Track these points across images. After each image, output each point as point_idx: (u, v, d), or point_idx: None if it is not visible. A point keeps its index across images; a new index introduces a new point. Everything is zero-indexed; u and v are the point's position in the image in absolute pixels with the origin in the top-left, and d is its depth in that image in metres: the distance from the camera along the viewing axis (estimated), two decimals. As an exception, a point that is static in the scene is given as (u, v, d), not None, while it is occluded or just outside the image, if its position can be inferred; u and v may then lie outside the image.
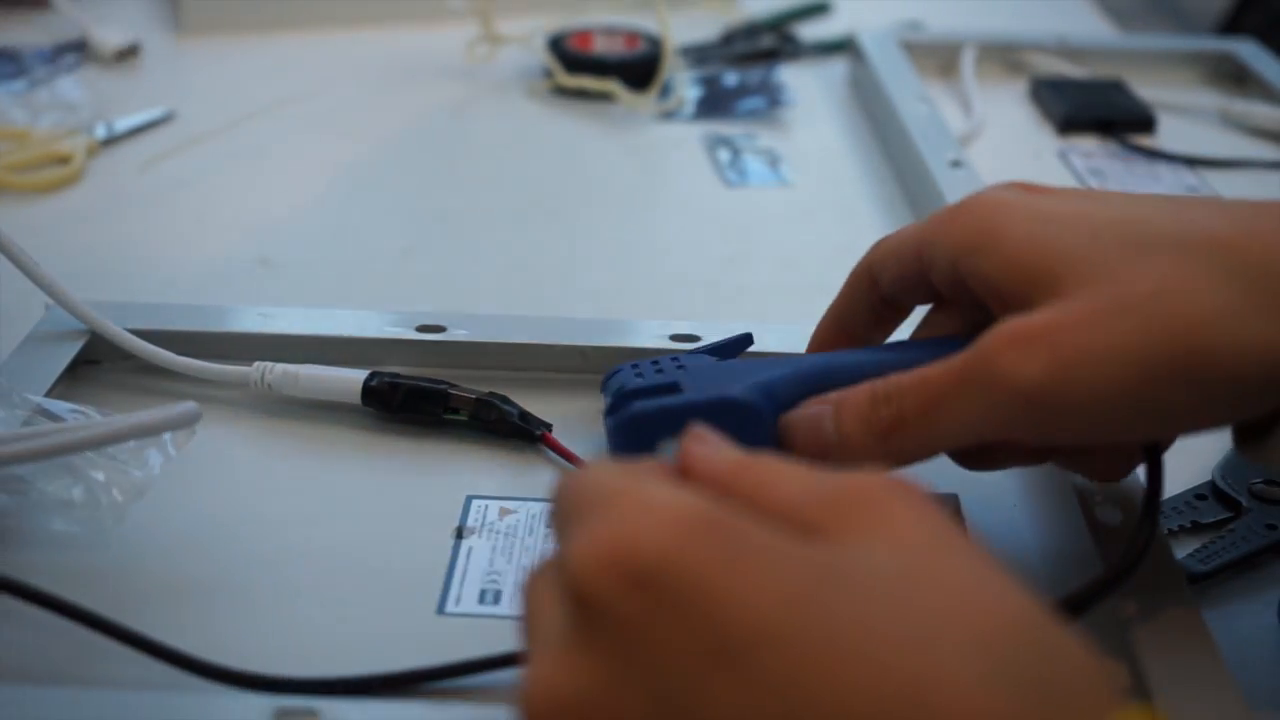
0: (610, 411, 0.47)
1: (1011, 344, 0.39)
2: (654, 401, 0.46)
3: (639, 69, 0.91)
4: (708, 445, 0.35)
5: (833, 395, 0.43)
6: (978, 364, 0.39)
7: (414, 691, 0.41)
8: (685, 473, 0.34)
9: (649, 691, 0.29)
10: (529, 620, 0.32)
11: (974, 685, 0.27)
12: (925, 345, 0.46)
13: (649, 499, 0.30)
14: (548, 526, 0.33)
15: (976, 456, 0.45)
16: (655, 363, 0.48)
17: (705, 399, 0.45)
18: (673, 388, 0.46)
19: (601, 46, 0.92)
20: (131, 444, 0.47)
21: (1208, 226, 0.39)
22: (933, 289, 0.46)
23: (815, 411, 0.43)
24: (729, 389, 0.45)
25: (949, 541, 0.30)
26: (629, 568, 0.29)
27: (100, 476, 0.46)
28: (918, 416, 0.41)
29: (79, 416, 0.49)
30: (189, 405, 0.46)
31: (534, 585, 0.33)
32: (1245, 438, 0.41)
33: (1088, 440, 0.42)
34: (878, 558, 0.30)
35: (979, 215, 0.42)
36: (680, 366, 0.48)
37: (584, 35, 0.93)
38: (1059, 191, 0.43)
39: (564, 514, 0.32)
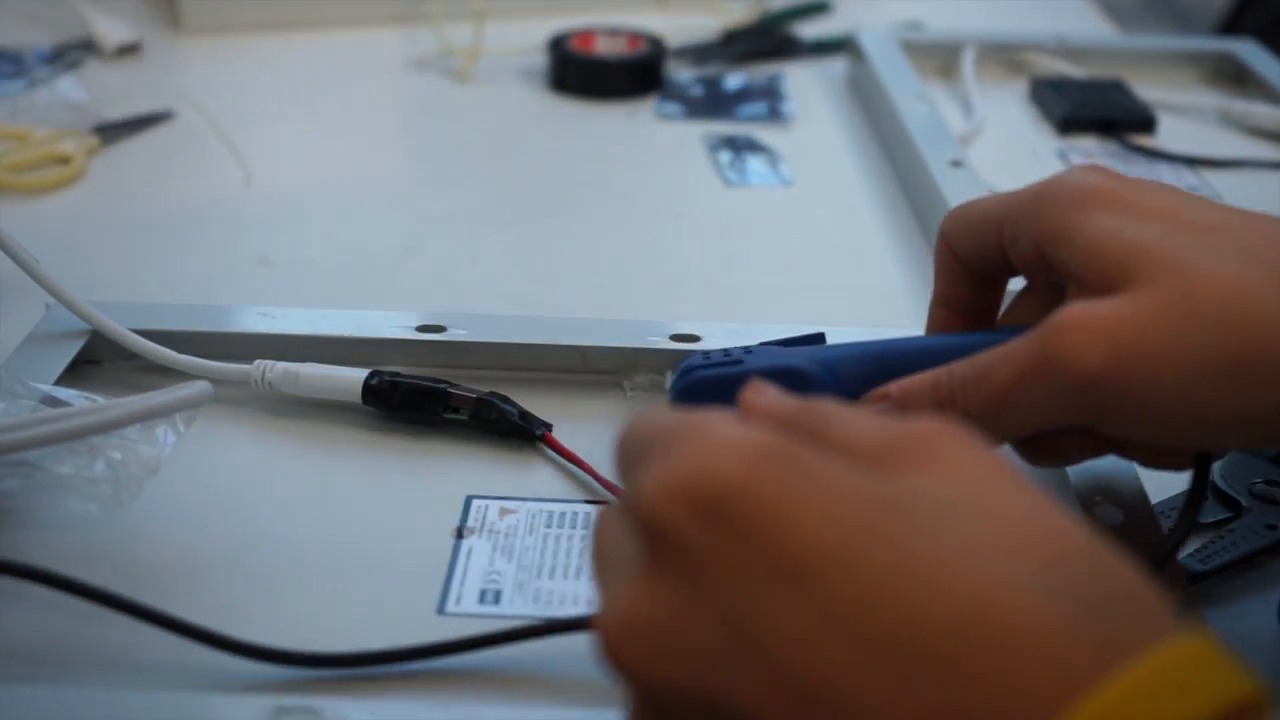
0: (674, 386, 0.48)
1: (1075, 329, 0.40)
2: (714, 370, 0.47)
3: (640, 69, 0.91)
4: (767, 394, 0.36)
5: (894, 387, 0.44)
6: (1040, 347, 0.40)
7: (413, 686, 0.41)
8: (747, 417, 0.35)
9: (721, 614, 0.29)
10: (600, 555, 0.33)
11: (1037, 602, 0.28)
12: (994, 334, 0.46)
13: (717, 433, 0.31)
14: (614, 468, 0.34)
15: (1039, 449, 0.46)
16: (725, 351, 0.49)
17: (765, 366, 0.46)
18: (736, 363, 0.47)
19: (603, 47, 0.92)
20: (142, 423, 0.48)
21: (1276, 244, 0.40)
22: (1011, 265, 0.46)
23: (878, 407, 0.44)
24: (790, 359, 0.46)
25: (1006, 477, 0.31)
26: (699, 497, 0.30)
27: (118, 455, 0.47)
28: (982, 408, 0.42)
29: (86, 403, 0.49)
30: (202, 384, 0.47)
31: (604, 522, 0.34)
32: None
33: (1143, 436, 0.42)
34: (938, 489, 0.30)
35: (1065, 202, 0.43)
36: (748, 352, 0.48)
37: (586, 36, 0.93)
38: (1144, 184, 0.44)
39: (632, 453, 0.33)
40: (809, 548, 0.29)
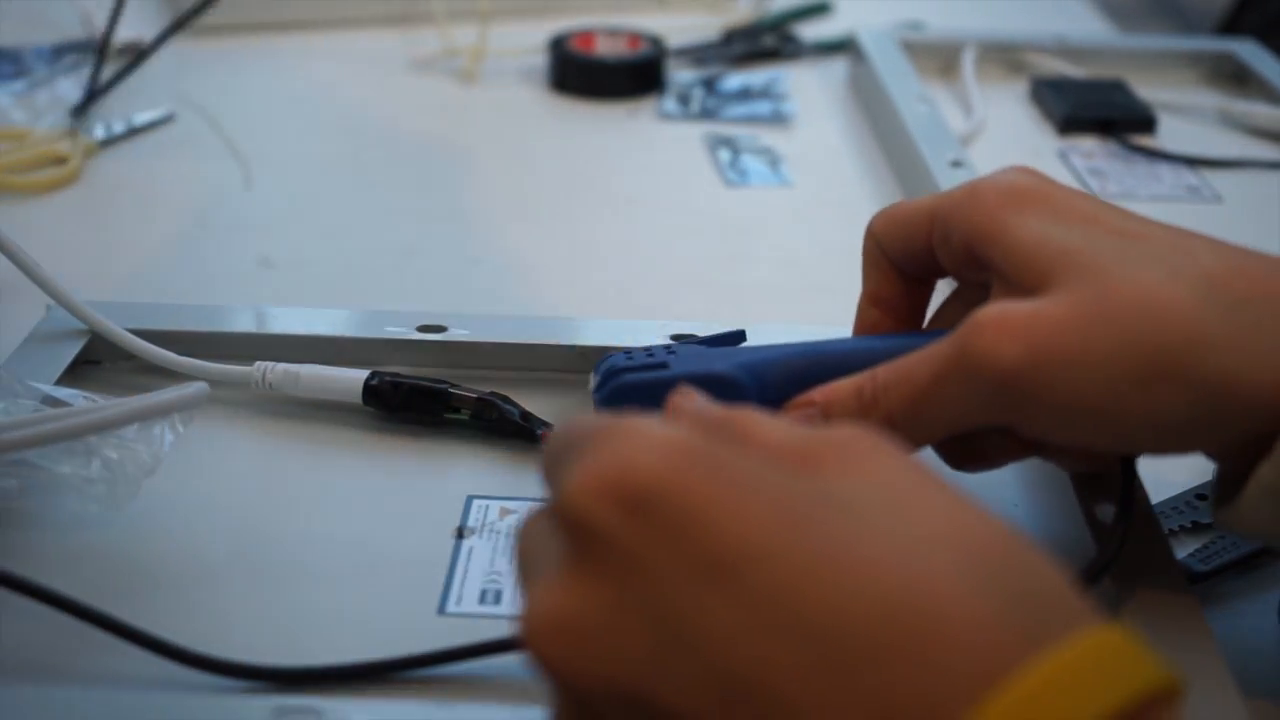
0: (599, 389, 0.48)
1: (992, 326, 0.40)
2: (641, 374, 0.47)
3: (641, 70, 0.91)
4: (694, 400, 0.36)
5: (817, 393, 0.44)
6: (958, 345, 0.41)
7: (414, 688, 0.41)
8: (672, 420, 0.35)
9: (647, 611, 0.30)
10: (524, 557, 0.33)
11: (958, 593, 0.28)
12: (919, 336, 0.46)
13: (641, 431, 0.32)
14: (540, 474, 0.34)
15: (964, 455, 0.46)
16: (648, 350, 0.49)
17: (691, 372, 0.46)
18: (661, 366, 0.47)
19: (604, 48, 0.92)
20: (139, 423, 0.48)
21: (1201, 259, 0.41)
22: (939, 264, 0.46)
23: (802, 414, 0.44)
24: (715, 365, 0.46)
25: (923, 478, 0.31)
26: (623, 493, 0.30)
27: (114, 455, 0.47)
28: (904, 410, 0.42)
29: (86, 403, 0.49)
30: (199, 384, 0.47)
31: (527, 525, 0.34)
32: (1219, 503, 0.42)
33: (1060, 438, 0.43)
34: (857, 489, 0.31)
35: (994, 201, 0.43)
36: (671, 352, 0.48)
37: (586, 36, 0.93)
38: (1071, 189, 0.44)
39: (556, 455, 0.33)
40: (733, 543, 0.29)
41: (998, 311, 0.40)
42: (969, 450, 0.45)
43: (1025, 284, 0.41)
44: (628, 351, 0.49)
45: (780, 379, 0.46)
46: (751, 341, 0.52)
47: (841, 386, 0.44)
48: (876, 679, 0.27)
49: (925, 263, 0.47)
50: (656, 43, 0.93)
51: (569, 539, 0.31)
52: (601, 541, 0.30)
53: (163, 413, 0.47)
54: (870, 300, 0.49)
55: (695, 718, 0.29)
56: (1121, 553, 0.44)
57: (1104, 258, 0.40)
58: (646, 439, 0.31)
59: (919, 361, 0.42)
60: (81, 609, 0.42)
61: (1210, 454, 0.43)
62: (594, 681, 0.30)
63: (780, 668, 0.28)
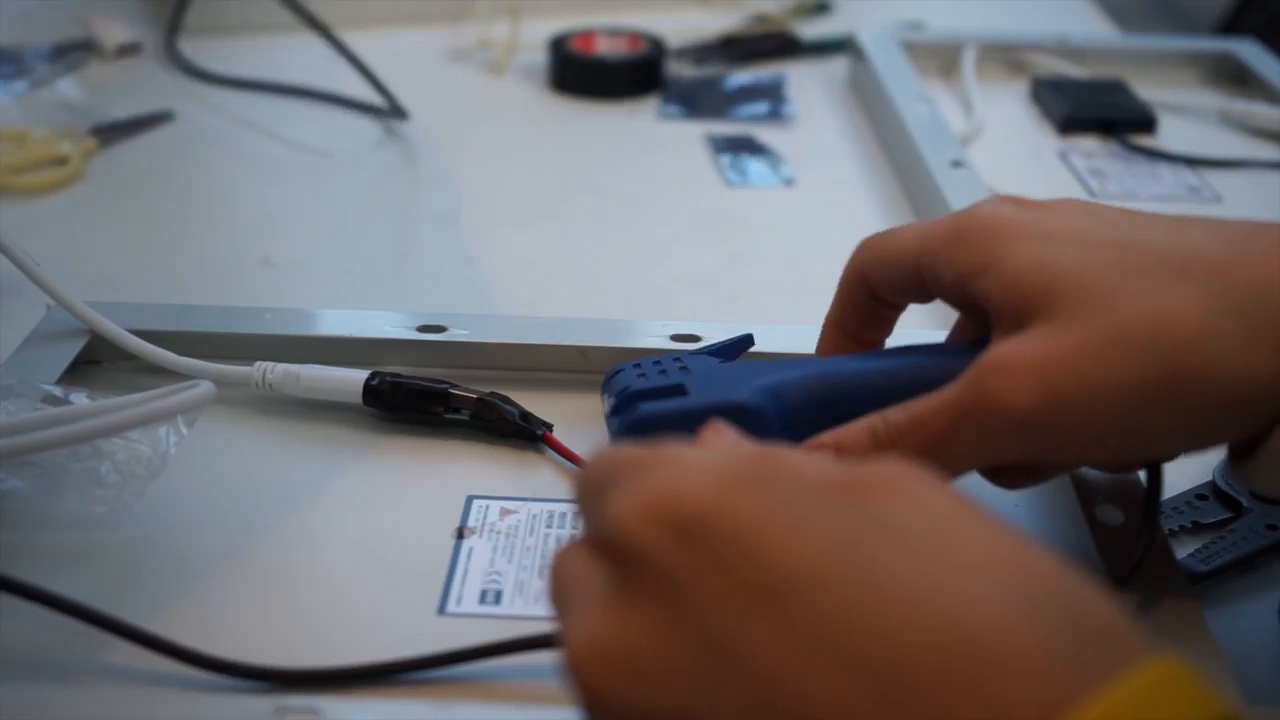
0: (615, 412, 0.47)
1: (1004, 372, 0.40)
2: (662, 404, 0.46)
3: (641, 69, 0.91)
4: (726, 435, 0.36)
5: (828, 437, 0.44)
6: (971, 395, 0.40)
7: (415, 688, 0.41)
8: (712, 450, 0.34)
9: (697, 638, 0.29)
10: (563, 589, 0.33)
11: (1014, 622, 0.28)
12: (932, 351, 0.46)
13: (688, 458, 0.31)
14: (575, 507, 0.34)
15: (993, 475, 0.45)
16: (657, 362, 0.48)
17: (713, 403, 0.45)
18: (678, 389, 0.47)
19: (604, 47, 0.92)
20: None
21: (1202, 250, 0.40)
22: (929, 294, 0.46)
23: (816, 456, 0.44)
24: (735, 393, 0.45)
25: (974, 509, 0.31)
26: (673, 519, 0.30)
27: (121, 456, 0.47)
28: (919, 455, 0.41)
29: (90, 403, 0.49)
30: (206, 385, 0.47)
31: (564, 556, 0.33)
32: (1236, 456, 0.42)
33: (1084, 462, 0.43)
34: (906, 519, 0.30)
35: (981, 238, 0.43)
36: (683, 367, 0.48)
37: (586, 36, 0.93)
38: (1055, 205, 0.44)
39: (597, 485, 0.33)
40: (784, 569, 0.29)
41: (1007, 354, 0.40)
42: (1002, 472, 0.45)
43: (1024, 314, 0.41)
44: (636, 363, 0.48)
45: (799, 402, 0.45)
46: (759, 343, 0.53)
47: (854, 430, 0.43)
48: (929, 708, 0.27)
49: (911, 293, 0.47)
50: (656, 43, 0.93)
51: (615, 566, 0.31)
52: (650, 568, 0.30)
53: (170, 414, 0.47)
54: (837, 325, 0.49)
55: None
56: (1147, 554, 0.45)
57: (1103, 276, 0.40)
58: (694, 467, 0.31)
59: (932, 408, 0.42)
60: (83, 610, 0.42)
61: (1232, 443, 0.43)
62: (640, 711, 0.30)
63: (832, 695, 0.28)
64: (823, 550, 0.29)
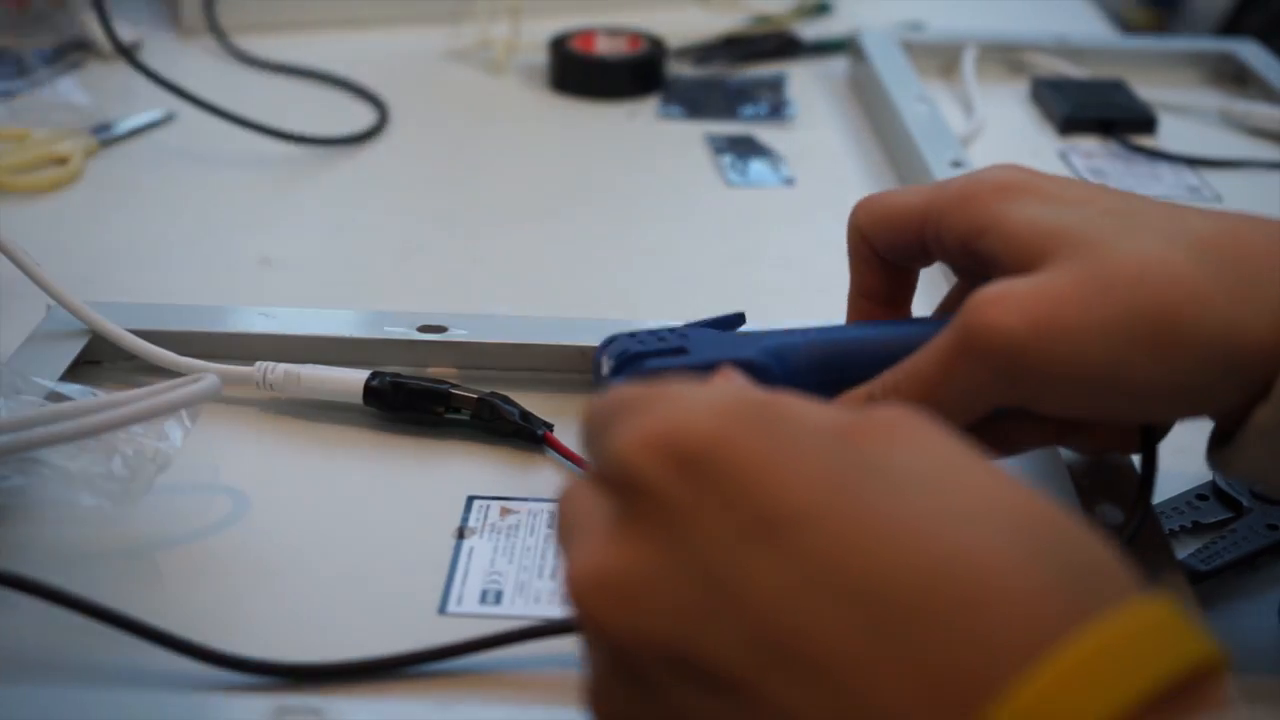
0: (616, 373, 0.47)
1: (990, 303, 0.40)
2: (669, 360, 0.46)
3: (641, 69, 0.91)
4: (736, 378, 0.36)
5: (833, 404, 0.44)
6: (960, 326, 0.41)
7: (415, 687, 0.41)
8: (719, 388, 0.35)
9: (696, 568, 0.30)
10: (567, 519, 0.33)
11: (1009, 560, 0.28)
12: (929, 324, 0.47)
13: (692, 394, 0.32)
14: (581, 442, 0.34)
15: (984, 443, 0.45)
16: (653, 333, 0.48)
17: (720, 358, 0.45)
18: (680, 351, 0.47)
19: (604, 47, 0.92)
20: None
21: (1193, 225, 0.42)
22: (928, 254, 0.47)
23: (818, 403, 0.44)
24: (742, 351, 0.46)
25: (971, 453, 0.32)
26: (677, 450, 0.30)
27: (129, 450, 0.47)
28: (915, 403, 0.42)
29: (94, 399, 0.49)
30: (211, 378, 0.48)
31: (569, 492, 0.34)
32: (1216, 445, 0.43)
33: (1073, 411, 0.43)
34: (908, 460, 0.31)
35: (987, 196, 0.44)
36: (682, 335, 0.48)
37: (587, 36, 0.93)
38: (1063, 177, 0.45)
39: (602, 420, 0.33)
40: (785, 503, 0.29)
41: (997, 289, 0.41)
42: (988, 438, 0.45)
43: (1023, 267, 0.41)
44: (630, 334, 0.48)
45: (804, 365, 0.46)
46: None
47: (852, 396, 0.45)
48: (923, 643, 0.28)
49: (914, 255, 0.48)
50: (657, 43, 0.93)
51: (618, 498, 0.31)
52: (652, 499, 0.30)
53: (178, 407, 0.47)
54: (859, 293, 0.50)
55: (739, 676, 0.29)
56: (1145, 521, 0.45)
57: (1099, 232, 0.41)
58: (698, 402, 0.31)
59: (924, 356, 0.42)
60: (90, 606, 0.42)
61: (1214, 414, 0.43)
62: (639, 638, 0.30)
63: (826, 628, 0.28)
64: (822, 487, 0.30)
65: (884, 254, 0.48)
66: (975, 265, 0.45)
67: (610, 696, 0.32)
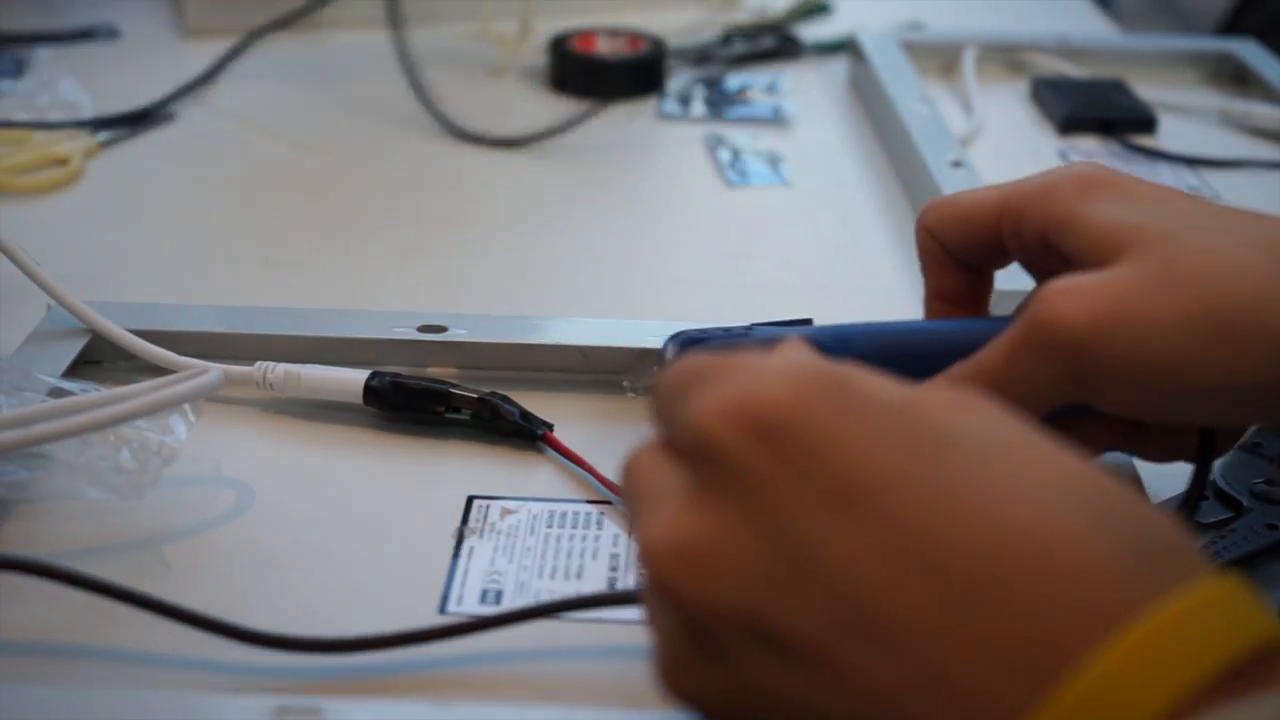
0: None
1: (1058, 295, 0.40)
2: (732, 339, 0.47)
3: (641, 69, 0.91)
4: (805, 351, 0.36)
5: None
6: (1027, 318, 0.41)
7: (415, 687, 0.41)
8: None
9: (772, 536, 0.30)
10: (637, 488, 0.34)
11: (1084, 532, 0.29)
12: (997, 320, 0.47)
13: (768, 364, 0.32)
14: (652, 410, 0.35)
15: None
16: (719, 327, 0.49)
17: (782, 337, 0.46)
18: (745, 337, 0.48)
19: (604, 47, 0.92)
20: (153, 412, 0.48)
21: (1268, 229, 0.42)
22: (1004, 254, 0.47)
23: (889, 378, 0.44)
24: (804, 333, 0.46)
25: (1036, 431, 0.32)
26: (755, 419, 0.31)
27: (136, 443, 0.48)
28: None
29: (96, 393, 0.49)
30: (215, 370, 0.48)
31: (639, 458, 0.34)
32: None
33: (1135, 409, 0.43)
34: (979, 433, 0.31)
35: (1069, 192, 0.44)
36: (747, 330, 0.49)
37: (587, 36, 0.93)
38: (1139, 178, 0.45)
39: (677, 389, 0.33)
40: (861, 472, 0.30)
41: (1065, 282, 0.41)
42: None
43: (1099, 263, 0.42)
44: (703, 330, 0.49)
45: (867, 354, 0.46)
46: None
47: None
48: (998, 613, 0.28)
49: (989, 255, 0.48)
50: (656, 43, 0.93)
51: (694, 466, 0.32)
52: (730, 467, 0.31)
53: (184, 399, 0.48)
54: (935, 296, 0.50)
55: (815, 644, 0.29)
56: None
57: (1172, 229, 0.41)
58: (774, 371, 0.32)
59: (990, 349, 0.43)
60: (95, 584, 0.43)
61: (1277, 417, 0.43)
62: (716, 606, 0.30)
63: (902, 596, 0.29)
64: (898, 457, 0.30)
65: (957, 254, 0.48)
66: (1052, 262, 0.45)
67: (683, 666, 0.32)
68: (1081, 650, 0.27)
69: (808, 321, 0.51)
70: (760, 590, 0.30)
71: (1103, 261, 0.42)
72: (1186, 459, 0.47)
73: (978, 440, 0.31)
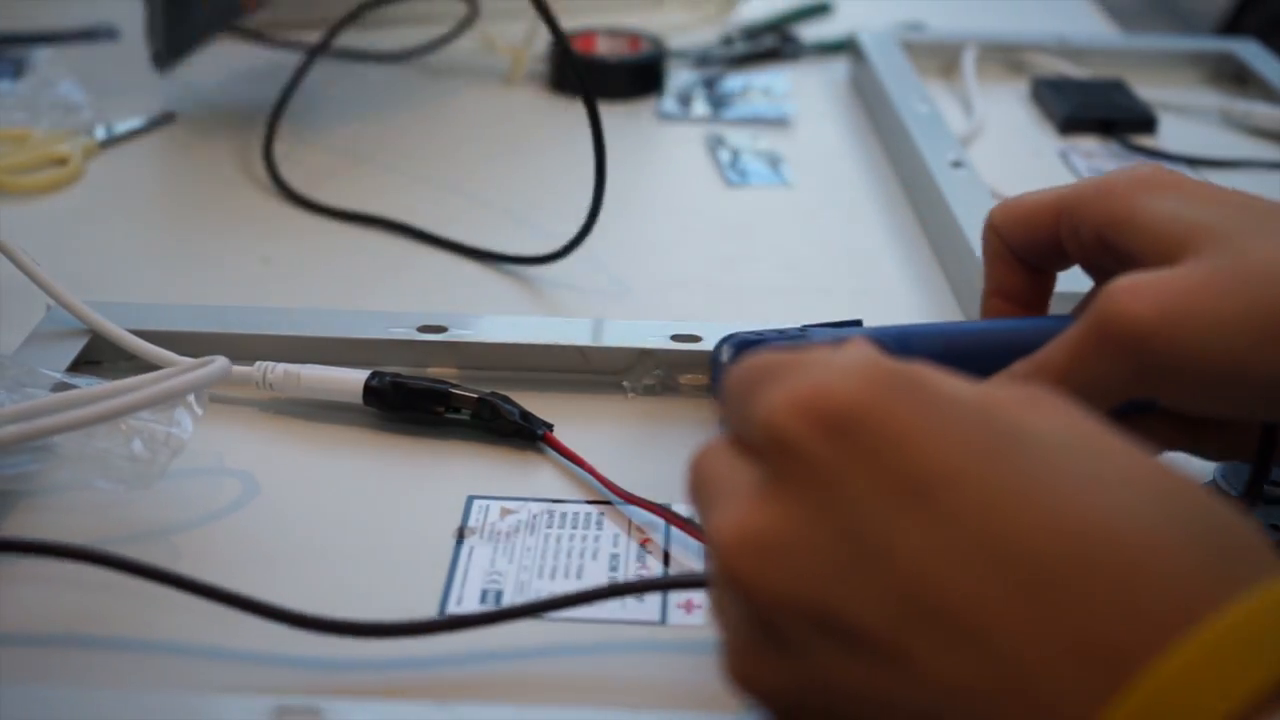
0: (735, 359, 0.48)
1: (1124, 291, 0.40)
2: (788, 339, 0.47)
3: (641, 70, 0.91)
4: (871, 348, 0.36)
5: None
6: (1092, 316, 0.41)
7: (416, 687, 0.41)
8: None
9: (845, 530, 0.30)
10: (705, 482, 0.34)
11: (1156, 529, 0.29)
12: (1057, 319, 0.47)
13: (837, 359, 0.32)
14: (720, 406, 0.35)
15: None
16: (772, 329, 0.49)
17: (841, 338, 0.46)
18: (801, 336, 0.48)
19: (604, 48, 0.92)
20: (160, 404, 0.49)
21: None
22: (1065, 255, 0.47)
23: (956, 375, 0.45)
24: (862, 333, 0.47)
25: (1107, 429, 0.32)
26: (826, 414, 0.31)
27: (145, 433, 0.48)
28: None
29: (101, 385, 0.49)
30: (221, 360, 0.48)
31: (707, 455, 0.34)
32: None
33: (1199, 406, 0.43)
34: (1050, 429, 0.31)
35: (1126, 189, 0.44)
36: (802, 332, 0.49)
37: (587, 37, 0.93)
38: (1198, 180, 0.45)
39: (747, 384, 0.34)
40: (933, 466, 0.30)
41: (1131, 278, 0.41)
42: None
43: (1159, 260, 0.42)
44: (757, 332, 0.49)
45: (929, 353, 0.46)
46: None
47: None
48: (1074, 608, 0.28)
49: (1049, 254, 0.48)
50: (656, 43, 0.93)
51: (765, 461, 0.32)
52: (800, 462, 0.31)
53: (190, 389, 0.48)
54: (995, 293, 0.50)
55: (886, 637, 0.30)
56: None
57: (1237, 229, 0.41)
58: (842, 367, 0.32)
59: (1055, 346, 0.43)
60: (110, 559, 0.43)
61: None
62: (788, 599, 0.31)
63: (974, 591, 0.29)
64: (969, 451, 0.30)
65: (1020, 254, 0.49)
66: (1109, 261, 0.45)
67: (752, 659, 0.32)
68: (1155, 648, 0.27)
69: (858, 322, 0.51)
70: (830, 582, 0.30)
71: (1163, 259, 0.42)
72: (1246, 458, 0.47)
73: (1050, 437, 0.31)
